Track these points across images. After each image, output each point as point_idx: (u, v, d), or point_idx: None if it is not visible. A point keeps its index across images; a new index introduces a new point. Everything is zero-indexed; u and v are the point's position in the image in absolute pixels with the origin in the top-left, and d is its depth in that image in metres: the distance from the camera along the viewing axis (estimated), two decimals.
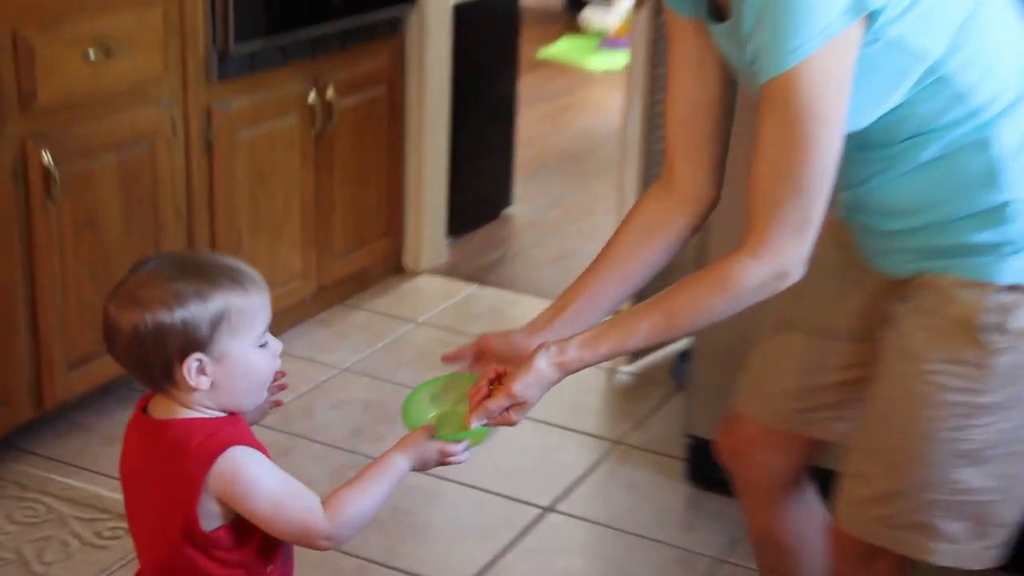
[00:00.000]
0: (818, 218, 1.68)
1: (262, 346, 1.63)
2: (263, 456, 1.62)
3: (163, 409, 1.64)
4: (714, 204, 1.91)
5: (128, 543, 2.73)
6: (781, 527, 2.14)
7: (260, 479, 1.60)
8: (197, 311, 1.57)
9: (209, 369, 1.59)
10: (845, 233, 1.93)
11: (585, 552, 2.91)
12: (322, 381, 3.55)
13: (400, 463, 1.70)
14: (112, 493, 2.92)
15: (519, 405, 1.80)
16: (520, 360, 1.81)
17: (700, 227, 1.93)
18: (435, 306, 4.07)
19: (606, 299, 1.91)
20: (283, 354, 1.68)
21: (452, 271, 4.33)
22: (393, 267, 4.25)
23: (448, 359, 1.94)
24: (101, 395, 3.33)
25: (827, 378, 2.00)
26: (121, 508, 2.81)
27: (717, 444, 2.18)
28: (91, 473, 3.02)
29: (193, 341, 1.58)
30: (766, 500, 2.13)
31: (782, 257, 1.67)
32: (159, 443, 1.62)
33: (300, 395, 3.45)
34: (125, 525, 2.79)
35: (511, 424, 1.82)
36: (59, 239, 2.96)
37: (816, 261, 1.73)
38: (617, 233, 1.94)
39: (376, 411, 3.41)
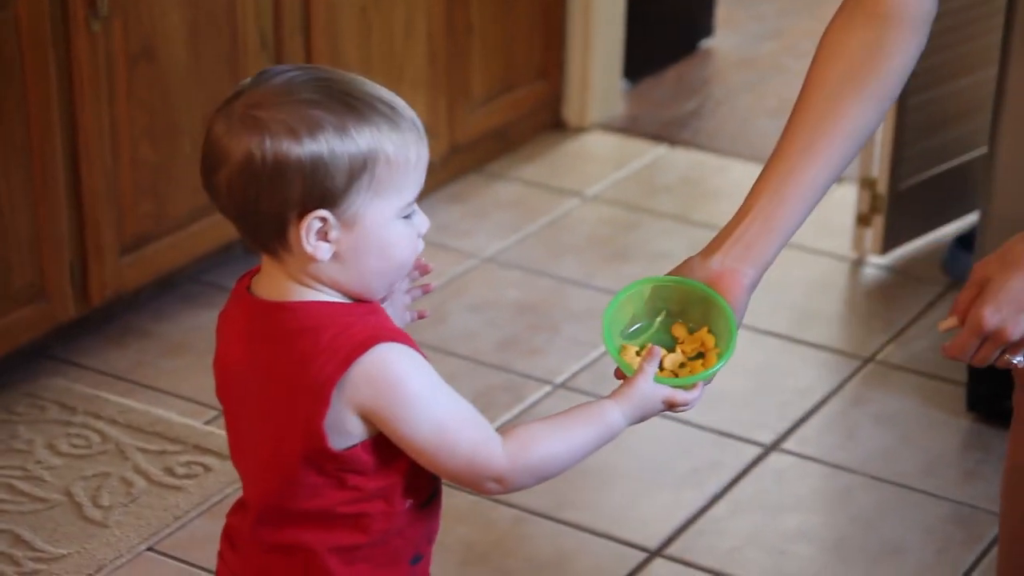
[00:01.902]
0: None
1: (406, 217, 1.63)
2: (423, 360, 1.63)
3: (275, 287, 1.64)
4: (931, 19, 1.87)
5: (208, 483, 2.80)
6: None
7: (422, 392, 1.61)
8: (335, 149, 1.57)
9: (333, 235, 1.59)
10: None
11: (822, 506, 2.90)
12: (457, 275, 3.58)
13: (615, 415, 1.69)
14: (184, 418, 3.00)
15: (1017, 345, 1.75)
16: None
17: (919, 54, 1.88)
18: (608, 174, 4.06)
19: (814, 182, 1.87)
20: None
21: (631, 127, 4.31)
22: (551, 121, 4.24)
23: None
24: (161, 290, 3.40)
25: None
26: (198, 438, 2.92)
27: None
28: (155, 392, 3.10)
29: (321, 191, 1.57)
30: None
31: None
32: (273, 334, 1.63)
33: (429, 293, 3.48)
34: (202, 459, 2.86)
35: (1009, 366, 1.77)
36: (107, 74, 3.01)
37: None
38: (809, 83, 1.87)
39: (532, 315, 3.44)
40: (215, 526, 2.70)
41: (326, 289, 1.64)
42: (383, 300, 1.70)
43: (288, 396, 1.62)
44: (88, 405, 3.02)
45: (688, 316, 1.79)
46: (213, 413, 3.00)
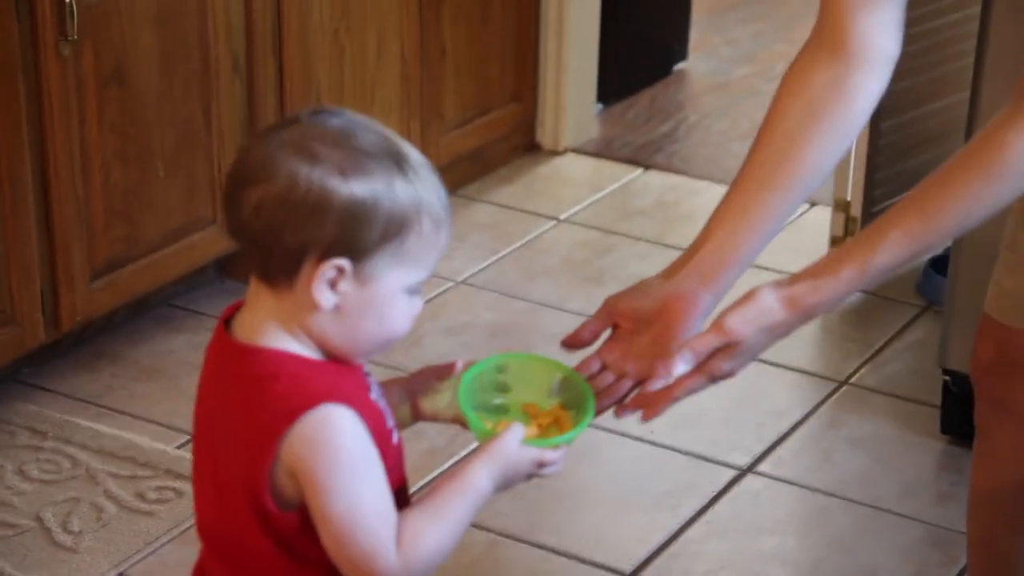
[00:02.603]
0: None
1: (411, 295, 1.60)
2: (367, 435, 1.58)
3: (251, 327, 1.61)
4: (894, 61, 1.89)
5: (179, 508, 2.78)
6: None
7: (352, 465, 1.55)
8: (379, 202, 1.53)
9: (343, 287, 1.56)
10: None
11: (797, 528, 2.89)
12: (432, 297, 3.57)
13: (484, 481, 1.64)
14: (156, 443, 2.98)
15: (732, 347, 1.79)
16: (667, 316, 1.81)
17: (880, 96, 1.90)
18: (582, 197, 4.06)
19: (772, 214, 1.89)
20: None
21: (605, 150, 4.31)
22: (525, 144, 4.23)
23: (571, 344, 1.89)
24: (134, 314, 3.38)
25: None
26: (169, 463, 2.90)
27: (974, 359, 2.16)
28: (126, 416, 3.08)
29: (350, 240, 1.53)
30: None
31: None
32: (238, 375, 1.60)
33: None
34: (174, 484, 2.84)
35: (721, 377, 1.82)
36: (78, 98, 3.00)
37: None
38: (771, 118, 1.91)
39: (505, 338, 3.42)
40: (186, 552, 2.69)
41: (305, 340, 1.60)
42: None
43: (240, 441, 1.59)
44: (59, 430, 3.00)
45: (540, 388, 1.78)
46: (185, 438, 2.98)
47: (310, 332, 1.59)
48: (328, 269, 1.55)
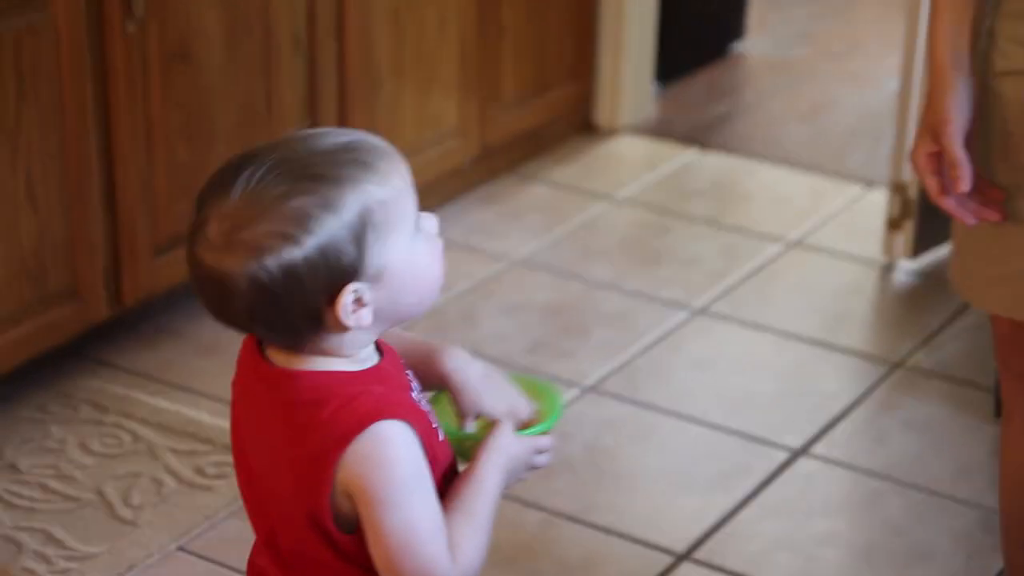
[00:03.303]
0: None
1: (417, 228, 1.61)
2: (418, 445, 1.58)
3: (288, 353, 1.61)
4: None
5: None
6: None
7: (408, 483, 1.57)
8: (333, 229, 1.52)
9: (368, 297, 1.57)
10: None
11: (850, 511, 2.90)
12: (487, 277, 3.58)
13: (494, 476, 1.67)
14: (215, 419, 3.01)
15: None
16: None
17: None
18: (639, 177, 4.06)
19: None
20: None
21: (662, 129, 4.31)
22: (582, 123, 4.24)
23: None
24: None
25: None
26: (227, 439, 2.90)
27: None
28: (186, 392, 3.11)
29: (341, 270, 1.54)
30: None
31: None
32: (281, 402, 1.60)
33: (458, 295, 3.49)
34: (232, 459, 2.87)
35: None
36: (142, 75, 3.03)
37: None
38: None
39: (561, 318, 3.44)
40: (245, 527, 2.70)
41: (348, 353, 1.61)
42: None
43: (294, 466, 1.59)
44: (120, 405, 3.03)
45: None
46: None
47: (355, 344, 1.60)
48: (345, 304, 1.55)
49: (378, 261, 1.56)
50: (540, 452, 1.73)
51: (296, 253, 1.52)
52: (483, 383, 1.75)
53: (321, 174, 1.53)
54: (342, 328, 1.57)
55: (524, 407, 1.75)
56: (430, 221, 1.63)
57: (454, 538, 1.61)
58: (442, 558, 1.59)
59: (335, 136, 1.59)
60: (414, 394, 1.67)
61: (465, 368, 1.75)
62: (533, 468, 1.74)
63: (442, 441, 1.67)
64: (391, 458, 1.56)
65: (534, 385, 1.81)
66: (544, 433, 1.74)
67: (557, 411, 1.77)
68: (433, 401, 1.76)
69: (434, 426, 1.66)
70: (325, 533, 1.60)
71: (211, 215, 1.54)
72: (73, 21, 2.89)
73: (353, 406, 1.57)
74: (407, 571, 1.58)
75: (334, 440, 1.56)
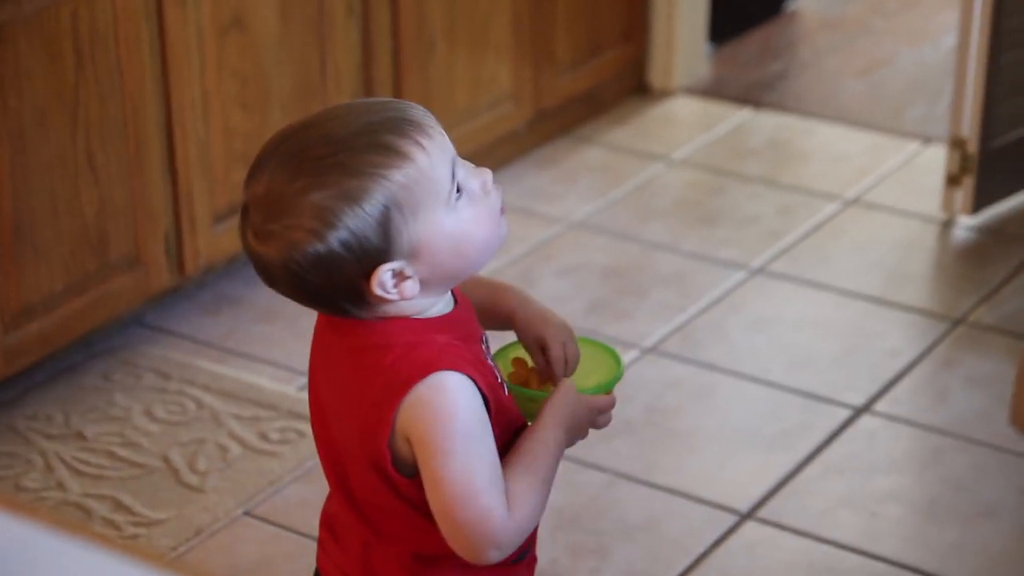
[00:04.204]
0: None
1: (459, 195, 1.60)
2: (478, 396, 1.60)
3: None
4: None
5: (301, 448, 2.84)
6: None
7: (466, 431, 1.58)
8: (355, 224, 1.54)
9: (409, 271, 1.59)
10: None
11: (913, 468, 2.91)
12: (544, 240, 3.60)
13: (557, 433, 1.68)
14: (277, 385, 3.04)
15: None
16: None
17: None
18: (694, 137, 4.06)
19: None
20: None
21: (716, 90, 4.30)
22: (636, 85, 4.24)
23: None
24: None
25: None
26: (291, 404, 2.96)
27: None
28: (247, 360, 3.14)
29: (370, 255, 1.56)
30: None
31: None
32: (350, 347, 1.63)
33: (515, 259, 3.50)
34: (296, 425, 2.90)
35: None
36: (198, 43, 3.05)
37: None
38: None
39: (619, 280, 3.45)
40: (310, 491, 2.75)
41: (412, 311, 1.62)
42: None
43: (357, 410, 1.62)
44: (183, 372, 3.07)
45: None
46: (305, 379, 3.03)
47: (416, 305, 1.62)
48: (382, 280, 1.57)
49: (411, 239, 1.57)
50: (602, 412, 1.73)
51: (320, 247, 1.54)
52: (546, 314, 1.77)
53: (341, 163, 1.55)
54: (391, 299, 1.59)
55: (575, 351, 1.76)
56: (478, 179, 1.62)
57: (512, 491, 1.62)
58: (498, 509, 1.60)
59: (360, 114, 1.59)
60: (483, 346, 1.69)
61: (530, 301, 1.78)
62: (595, 427, 1.74)
63: (508, 396, 1.69)
64: (449, 407, 1.58)
65: (596, 346, 1.82)
66: (606, 393, 1.75)
67: (619, 372, 1.77)
68: (498, 356, 1.77)
69: (500, 380, 1.68)
70: (386, 477, 1.63)
71: (248, 201, 1.59)
72: None
73: (415, 354, 1.59)
74: (462, 520, 1.59)
75: (395, 386, 1.58)
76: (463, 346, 1.63)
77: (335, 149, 1.56)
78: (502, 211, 1.66)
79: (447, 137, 1.61)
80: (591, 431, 1.74)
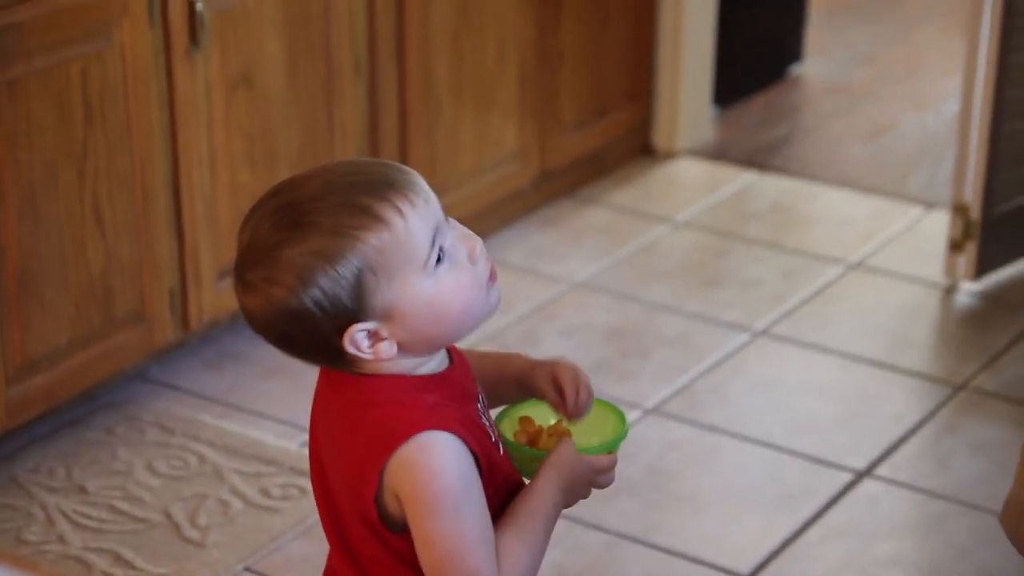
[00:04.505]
0: None
1: (439, 263, 1.59)
2: (467, 456, 1.60)
3: None
4: None
5: (303, 505, 2.85)
6: None
7: (452, 491, 1.59)
8: (328, 286, 1.55)
9: (384, 332, 1.59)
10: None
11: (915, 533, 2.90)
12: (548, 300, 3.61)
13: (553, 494, 1.68)
14: (280, 440, 3.05)
15: None
16: None
17: None
18: (698, 200, 4.08)
19: None
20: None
21: (721, 152, 4.32)
22: (640, 147, 4.26)
23: None
24: None
25: None
26: (293, 461, 2.97)
27: None
28: (250, 415, 3.15)
29: (343, 314, 1.57)
30: None
31: None
32: (343, 401, 1.65)
33: (520, 318, 3.51)
34: (297, 482, 2.90)
35: None
36: (206, 101, 3.07)
37: None
38: None
39: (622, 341, 3.45)
40: (311, 547, 2.75)
41: (399, 369, 1.63)
42: None
43: (346, 465, 1.64)
44: (186, 427, 3.07)
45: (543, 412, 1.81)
46: (306, 436, 3.03)
47: (400, 366, 1.63)
48: (355, 338, 1.58)
49: (385, 302, 1.58)
50: (601, 472, 1.73)
51: (294, 303, 1.56)
52: (556, 359, 1.78)
53: (317, 222, 1.56)
54: (366, 359, 1.60)
55: (587, 382, 1.76)
56: (466, 246, 1.62)
57: (502, 551, 1.62)
58: (486, 569, 1.60)
59: (345, 173, 1.60)
60: (478, 406, 1.69)
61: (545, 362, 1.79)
62: (597, 487, 1.74)
63: (503, 456, 1.69)
64: (434, 468, 1.59)
65: (601, 405, 1.81)
66: (609, 453, 1.74)
67: (623, 430, 1.77)
68: (501, 416, 1.78)
69: (493, 440, 1.68)
70: (375, 531, 1.64)
71: (237, 250, 1.62)
72: (139, 48, 2.94)
73: (401, 412, 1.60)
74: None
75: (382, 443, 1.59)
76: (453, 405, 1.64)
77: (314, 207, 1.57)
78: (492, 279, 1.65)
79: (433, 202, 1.61)
80: (594, 491, 1.75)
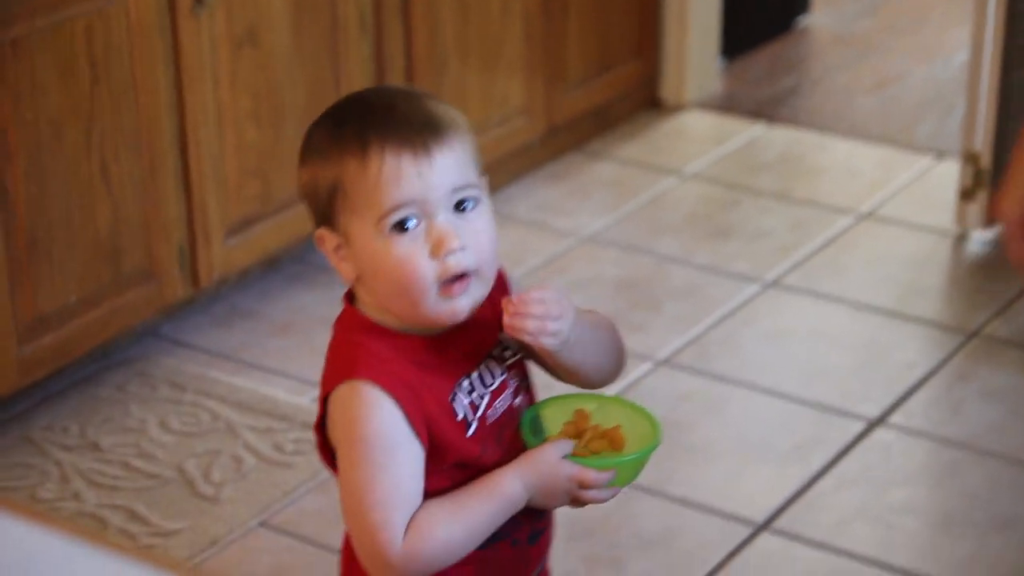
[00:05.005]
0: None
1: (403, 231, 1.58)
2: (392, 411, 1.58)
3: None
4: None
5: (316, 459, 2.85)
6: None
7: (365, 441, 1.58)
8: (317, 170, 1.63)
9: (343, 253, 1.63)
10: None
11: (929, 480, 2.91)
12: (556, 254, 3.60)
13: (514, 486, 1.63)
14: (291, 396, 3.05)
15: None
16: None
17: None
18: (706, 152, 4.07)
19: None
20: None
21: (728, 104, 4.31)
22: (648, 100, 4.25)
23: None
24: (267, 271, 3.45)
25: None
26: (305, 416, 2.97)
27: None
28: (261, 371, 3.15)
29: (319, 208, 1.64)
30: None
31: None
32: (334, 327, 1.70)
33: (528, 271, 3.51)
34: (310, 436, 2.91)
35: None
36: (212, 59, 3.07)
37: None
38: None
39: (632, 293, 3.45)
40: (324, 501, 2.76)
41: (378, 315, 1.64)
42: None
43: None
44: (198, 384, 3.08)
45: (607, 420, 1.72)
46: (317, 391, 3.04)
47: (373, 303, 1.65)
48: (319, 238, 1.65)
49: (347, 227, 1.62)
50: (585, 487, 1.64)
51: (300, 171, 1.65)
52: None
53: (336, 125, 1.63)
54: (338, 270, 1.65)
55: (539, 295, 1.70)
56: (435, 239, 1.59)
57: (419, 520, 1.59)
58: (385, 531, 1.58)
59: (393, 105, 1.64)
60: (465, 381, 1.65)
61: None
62: (578, 501, 1.66)
63: (469, 439, 1.64)
64: (355, 416, 1.59)
65: (635, 412, 1.72)
66: (605, 469, 1.64)
67: (634, 457, 1.65)
68: (559, 402, 1.71)
69: (459, 418, 1.63)
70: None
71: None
72: (144, 8, 2.93)
73: (356, 353, 1.61)
74: (352, 529, 1.63)
75: (329, 374, 1.63)
76: (413, 369, 1.61)
77: (348, 109, 1.64)
78: (447, 289, 1.60)
79: (431, 182, 1.59)
80: (576, 501, 1.67)
